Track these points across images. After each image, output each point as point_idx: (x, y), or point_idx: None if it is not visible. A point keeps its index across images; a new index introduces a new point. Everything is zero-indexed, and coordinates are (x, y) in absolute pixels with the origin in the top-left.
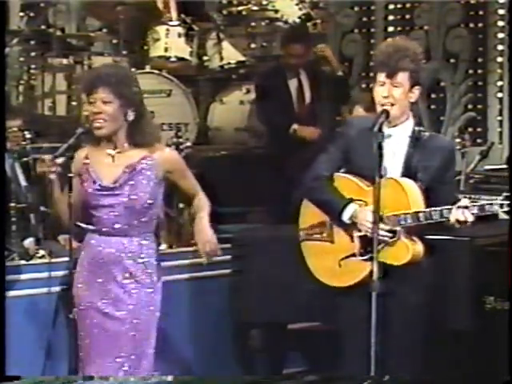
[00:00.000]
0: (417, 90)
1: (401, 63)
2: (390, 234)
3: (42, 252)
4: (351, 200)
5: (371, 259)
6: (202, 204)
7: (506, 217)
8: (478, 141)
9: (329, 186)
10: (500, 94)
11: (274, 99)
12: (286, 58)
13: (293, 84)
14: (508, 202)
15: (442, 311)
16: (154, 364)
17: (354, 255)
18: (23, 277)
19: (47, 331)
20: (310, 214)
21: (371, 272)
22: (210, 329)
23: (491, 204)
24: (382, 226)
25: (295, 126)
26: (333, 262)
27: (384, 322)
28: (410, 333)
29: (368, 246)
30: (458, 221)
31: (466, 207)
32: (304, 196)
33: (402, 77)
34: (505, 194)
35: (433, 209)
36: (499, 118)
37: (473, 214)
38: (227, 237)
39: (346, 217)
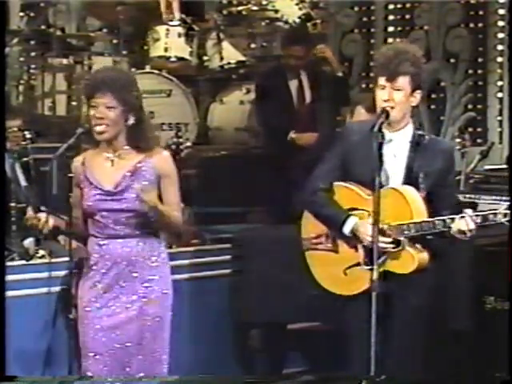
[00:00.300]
0: (418, 94)
1: (401, 67)
2: (393, 245)
3: (41, 252)
4: (351, 213)
5: (377, 267)
6: (171, 212)
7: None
8: (478, 141)
9: (328, 198)
10: (500, 94)
11: (274, 100)
12: (287, 58)
13: (293, 84)
14: (510, 212)
15: (443, 311)
16: (167, 366)
17: (358, 264)
18: (23, 277)
19: (47, 331)
20: (312, 224)
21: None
22: (210, 329)
23: (495, 213)
24: (384, 237)
25: (292, 135)
26: (338, 271)
27: (387, 323)
28: (412, 333)
29: (373, 255)
30: (460, 231)
31: (470, 217)
32: (304, 209)
33: (403, 81)
34: (508, 203)
35: (436, 218)
36: (499, 118)
37: (476, 223)
38: (227, 237)
39: (347, 230)
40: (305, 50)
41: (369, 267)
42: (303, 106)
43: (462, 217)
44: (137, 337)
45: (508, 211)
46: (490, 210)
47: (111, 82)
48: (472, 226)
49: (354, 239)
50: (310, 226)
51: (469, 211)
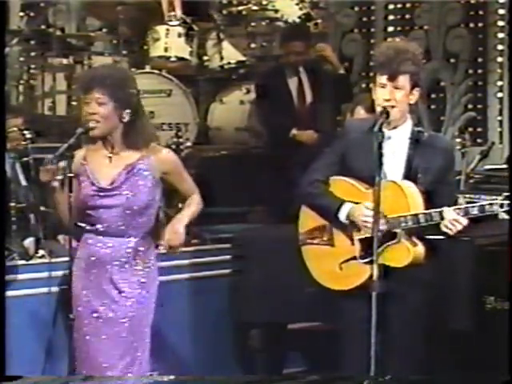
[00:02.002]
0: (417, 92)
1: (402, 66)
2: (388, 235)
3: (41, 252)
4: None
5: (372, 262)
6: (191, 203)
7: (506, 217)
8: (478, 141)
9: (325, 190)
10: (500, 94)
11: (274, 99)
12: (286, 56)
13: (293, 83)
14: (508, 202)
15: (443, 311)
16: (150, 363)
17: (354, 258)
18: (23, 277)
19: (47, 331)
20: (309, 218)
21: (372, 274)
22: (210, 329)
23: (491, 204)
24: (381, 225)
25: (294, 132)
26: (334, 266)
27: (385, 322)
28: (411, 333)
29: (368, 248)
30: (452, 221)
31: (459, 210)
32: (301, 201)
33: (403, 79)
34: (505, 193)
35: (433, 210)
36: (499, 117)
37: (473, 214)
38: (227, 237)
39: (342, 216)
40: (304, 46)
41: (364, 260)
42: (303, 105)
43: (459, 208)
44: (121, 336)
45: (505, 202)
46: (488, 202)
47: (102, 78)
48: (461, 218)
49: (352, 229)
50: (307, 221)
51: (461, 202)
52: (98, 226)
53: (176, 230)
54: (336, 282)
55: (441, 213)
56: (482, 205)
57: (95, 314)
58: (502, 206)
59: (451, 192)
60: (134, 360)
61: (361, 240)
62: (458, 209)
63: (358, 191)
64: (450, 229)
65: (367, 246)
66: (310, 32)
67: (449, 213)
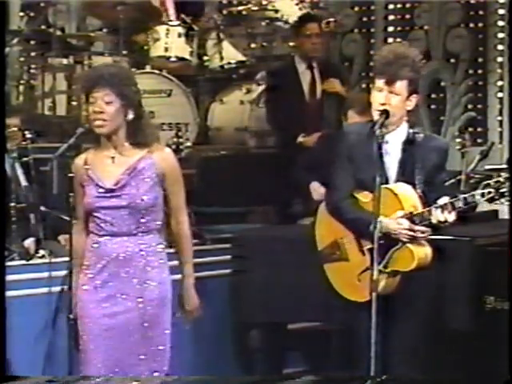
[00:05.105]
0: (414, 99)
1: (400, 72)
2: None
3: (42, 252)
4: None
5: (385, 268)
6: (182, 245)
7: (485, 203)
8: (478, 141)
9: (354, 204)
10: (500, 94)
11: (285, 98)
12: (302, 41)
13: (305, 78)
14: (488, 191)
15: (443, 311)
16: (169, 361)
17: (368, 269)
18: (23, 277)
19: (47, 331)
20: (324, 236)
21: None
22: (210, 329)
23: (473, 195)
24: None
25: (301, 139)
26: (353, 279)
27: (384, 321)
28: (412, 333)
29: (378, 256)
30: (439, 221)
31: (446, 205)
32: (332, 215)
33: (401, 85)
34: (484, 182)
35: (427, 209)
36: (499, 118)
37: (459, 207)
38: (227, 237)
39: (376, 231)
40: (319, 29)
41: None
42: (314, 100)
43: (437, 207)
44: (135, 336)
45: (486, 190)
46: (470, 193)
47: (109, 76)
48: (449, 216)
49: (359, 238)
50: (322, 239)
51: (444, 199)
52: (107, 227)
53: (189, 295)
54: (357, 294)
55: (429, 211)
56: (465, 197)
57: (110, 314)
58: (483, 195)
59: (445, 190)
60: (154, 357)
61: (370, 250)
62: (445, 204)
63: (361, 203)
64: (442, 225)
65: (377, 254)
66: (322, 18)
67: (435, 212)
